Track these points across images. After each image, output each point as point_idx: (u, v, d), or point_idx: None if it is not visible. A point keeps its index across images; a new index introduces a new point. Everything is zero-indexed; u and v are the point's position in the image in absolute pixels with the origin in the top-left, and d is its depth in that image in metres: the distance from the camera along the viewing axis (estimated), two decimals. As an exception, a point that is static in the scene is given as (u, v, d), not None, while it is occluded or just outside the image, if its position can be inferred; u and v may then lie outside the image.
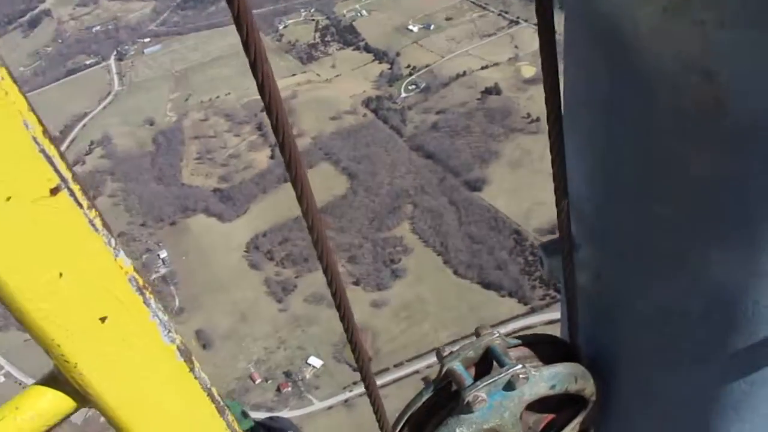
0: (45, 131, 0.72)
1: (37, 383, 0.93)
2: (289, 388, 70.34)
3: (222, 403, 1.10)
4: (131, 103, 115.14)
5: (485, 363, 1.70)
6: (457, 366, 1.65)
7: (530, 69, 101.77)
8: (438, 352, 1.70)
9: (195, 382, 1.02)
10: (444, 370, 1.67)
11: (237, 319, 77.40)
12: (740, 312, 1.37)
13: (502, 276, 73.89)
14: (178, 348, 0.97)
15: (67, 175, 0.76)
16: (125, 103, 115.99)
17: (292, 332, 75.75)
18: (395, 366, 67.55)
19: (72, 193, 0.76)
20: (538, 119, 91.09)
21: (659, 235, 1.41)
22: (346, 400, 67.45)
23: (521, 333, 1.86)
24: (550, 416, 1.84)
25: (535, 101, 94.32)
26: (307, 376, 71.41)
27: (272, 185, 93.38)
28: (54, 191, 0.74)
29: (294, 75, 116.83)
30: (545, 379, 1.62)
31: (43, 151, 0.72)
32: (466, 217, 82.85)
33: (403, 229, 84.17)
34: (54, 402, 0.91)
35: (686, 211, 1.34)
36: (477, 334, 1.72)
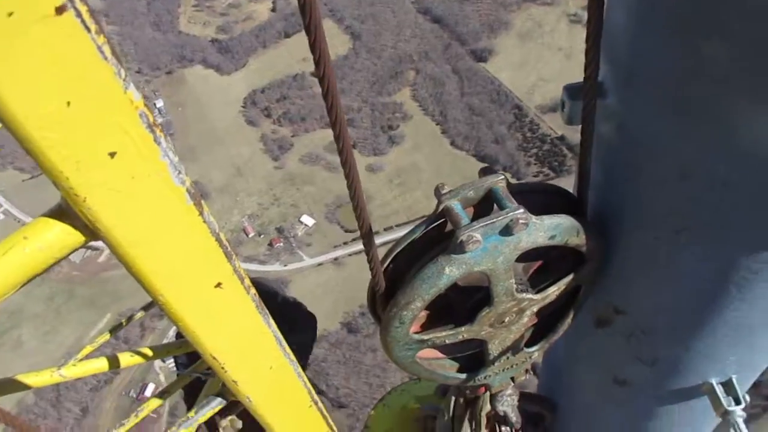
0: (49, -62, 0.65)
1: (44, 215, 0.91)
2: (281, 244, 72.27)
3: (229, 249, 1.10)
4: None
5: (485, 205, 1.62)
6: (454, 204, 1.57)
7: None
8: (437, 188, 1.61)
9: (204, 225, 1.01)
10: (440, 207, 1.59)
11: (232, 174, 77.92)
12: (766, 184, 1.27)
13: (498, 150, 73.69)
14: (188, 191, 0.95)
15: (74, -7, 0.69)
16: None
17: (286, 190, 76.62)
18: (385, 230, 69.09)
19: (79, 14, 0.70)
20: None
21: (702, 81, 1.25)
22: (335, 258, 69.68)
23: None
24: (538, 263, 1.80)
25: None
26: (299, 233, 73.15)
27: (272, 39, 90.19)
28: (59, 10, 0.68)
29: None
30: (545, 228, 1.54)
31: (47, -39, 0.65)
32: (469, 87, 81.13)
33: (404, 95, 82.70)
34: (62, 235, 0.90)
35: (738, 54, 1.15)
36: (481, 174, 1.64)
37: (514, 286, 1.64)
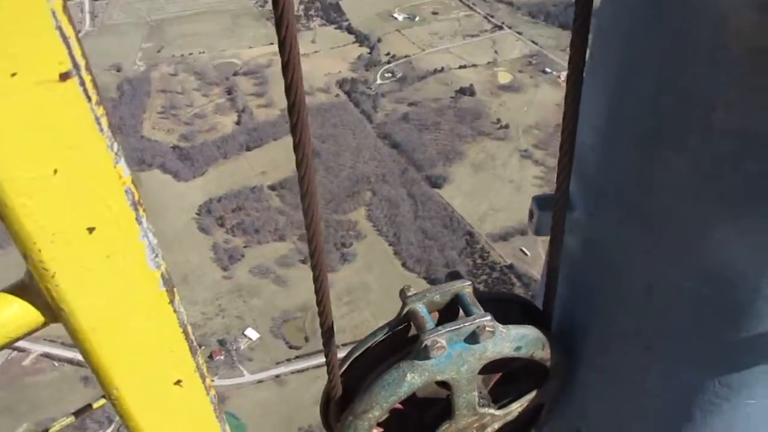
0: (65, 7, 0.65)
1: (4, 290, 0.85)
2: (222, 357, 69.62)
3: (195, 343, 1.04)
4: (100, 45, 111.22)
5: (451, 311, 1.57)
6: (420, 308, 1.51)
7: (507, 75, 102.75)
8: (402, 290, 1.56)
9: (173, 315, 0.96)
10: (405, 310, 1.53)
11: (178, 281, 76.08)
12: (738, 300, 1.28)
13: (449, 274, 74.45)
14: (162, 276, 0.91)
15: (81, 62, 0.68)
16: (94, 44, 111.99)
17: (232, 301, 74.92)
18: (331, 348, 67.48)
19: (83, 83, 0.69)
20: (507, 126, 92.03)
21: (665, 196, 1.29)
22: (277, 376, 67.22)
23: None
24: (498, 375, 1.74)
25: (507, 108, 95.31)
26: (242, 347, 70.84)
27: (234, 151, 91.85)
28: (64, 77, 0.67)
29: (272, 44, 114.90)
30: (512, 338, 1.50)
31: (60, 28, 0.65)
32: (423, 211, 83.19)
33: (359, 215, 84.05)
34: (21, 313, 0.84)
35: (700, 171, 1.20)
36: (448, 279, 1.60)
37: (477, 399, 1.58)
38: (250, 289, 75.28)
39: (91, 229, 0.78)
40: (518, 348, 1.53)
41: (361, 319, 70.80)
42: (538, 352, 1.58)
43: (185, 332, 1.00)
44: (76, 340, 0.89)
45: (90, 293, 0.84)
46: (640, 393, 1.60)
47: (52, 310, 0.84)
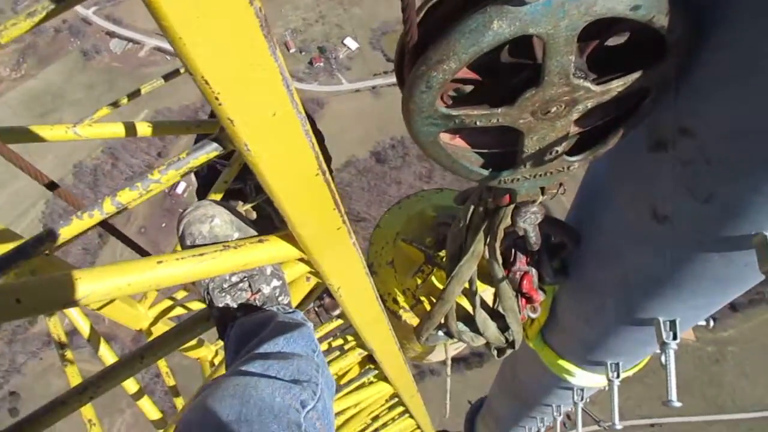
0: None
1: None
2: (321, 64, 70.79)
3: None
4: None
5: None
6: None
7: None
8: None
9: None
10: None
11: (277, -15, 74.53)
12: None
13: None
14: None
15: None
16: None
17: (332, 9, 73.55)
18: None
19: None
20: None
21: None
22: (374, 87, 68.47)
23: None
24: (595, 43, 1.45)
25: None
26: (341, 56, 71.38)
27: None
28: None
29: None
30: None
31: None
32: None
33: None
34: None
35: None
36: None
37: (572, 67, 1.32)
38: (350, -3, 73.25)
39: None
40: (636, 7, 1.21)
41: None
42: (659, 17, 1.25)
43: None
44: None
45: None
46: None
47: None
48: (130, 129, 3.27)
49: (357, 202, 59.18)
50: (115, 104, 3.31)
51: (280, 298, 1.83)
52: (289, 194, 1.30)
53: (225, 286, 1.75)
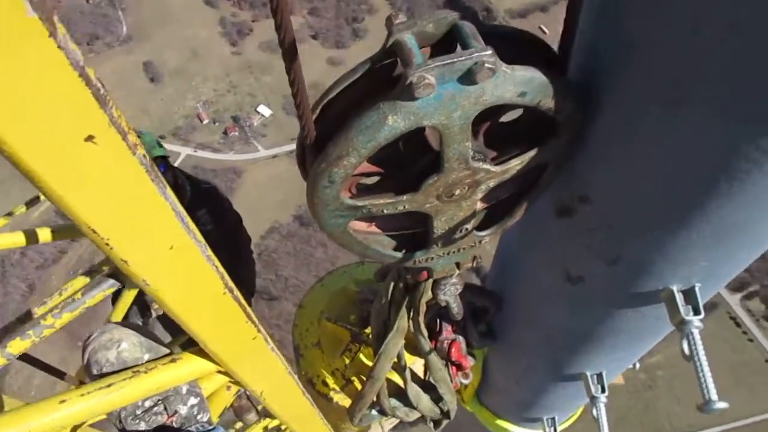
0: None
1: None
2: (236, 133, 70.68)
3: (103, 93, 0.80)
4: None
5: (446, 46, 1.29)
6: (408, 39, 1.24)
7: None
8: (389, 18, 1.27)
9: (59, 53, 0.71)
10: (390, 41, 1.26)
11: (188, 56, 74.52)
12: None
13: (464, 53, 72.17)
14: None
15: None
16: None
17: (243, 78, 74.05)
18: (344, 126, 68.01)
19: None
20: None
21: None
22: (291, 151, 68.70)
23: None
24: (496, 124, 1.49)
25: None
26: (255, 123, 71.54)
27: None
28: None
29: None
30: (516, 81, 1.22)
31: None
32: (440, -16, 78.26)
33: (372, -13, 79.34)
34: None
35: None
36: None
37: (470, 152, 1.36)
38: (260, 66, 73.93)
39: None
40: (523, 93, 1.25)
41: (373, 98, 70.13)
42: (546, 101, 1.30)
43: (84, 76, 0.75)
44: None
45: None
46: (657, 155, 1.36)
47: None
48: (31, 236, 3.10)
49: (284, 267, 58.41)
50: (9, 214, 3.15)
51: (198, 417, 1.74)
52: (196, 317, 1.24)
53: (138, 412, 1.64)
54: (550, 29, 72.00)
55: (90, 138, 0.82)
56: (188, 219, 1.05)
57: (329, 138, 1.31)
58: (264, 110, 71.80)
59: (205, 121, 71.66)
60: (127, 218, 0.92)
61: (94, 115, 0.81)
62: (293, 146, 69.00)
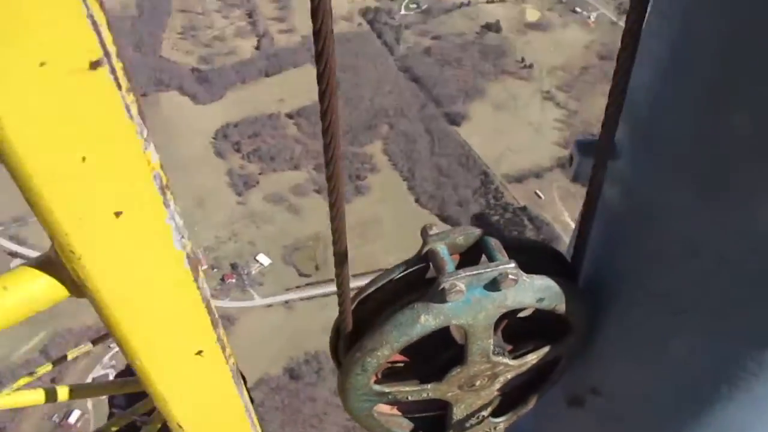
0: (97, -7, 0.61)
1: (29, 264, 0.84)
2: (233, 280, 71.00)
3: (216, 316, 1.04)
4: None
5: (473, 254, 1.54)
6: (441, 248, 1.48)
7: (535, 13, 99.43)
8: (424, 229, 1.52)
9: (197, 291, 0.95)
10: (425, 249, 1.50)
11: (193, 204, 76.85)
12: None
13: (461, 212, 74.50)
14: (188, 255, 0.90)
15: (112, 49, 0.65)
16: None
17: (246, 227, 75.75)
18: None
19: (113, 71, 0.66)
20: (531, 66, 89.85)
21: (723, 151, 1.18)
22: (286, 302, 68.60)
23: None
24: (514, 323, 1.72)
25: (533, 47, 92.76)
26: (253, 272, 72.07)
27: (253, 76, 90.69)
28: (94, 65, 0.64)
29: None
30: (535, 288, 1.46)
31: (90, 16, 0.61)
32: (439, 148, 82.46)
33: (375, 148, 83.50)
34: (46, 287, 0.84)
35: (765, 129, 1.10)
36: (473, 222, 1.56)
37: (491, 347, 1.57)
38: (263, 216, 75.93)
39: (118, 213, 0.77)
40: (541, 299, 1.49)
41: (372, 252, 71.54)
42: (560, 306, 1.54)
43: (208, 307, 1.00)
44: (99, 313, 0.89)
45: (116, 273, 0.83)
46: (663, 359, 1.56)
47: (77, 287, 0.84)
48: (51, 395, 3.20)
49: (270, 423, 55.96)
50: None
51: None
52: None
53: None
54: (545, 194, 75.04)
55: (200, 352, 1.04)
56: (253, 411, 1.23)
57: (364, 329, 1.53)
58: (263, 259, 72.64)
59: (204, 267, 72.26)
60: (210, 417, 1.11)
61: (208, 334, 1.03)
62: (289, 296, 69.26)
